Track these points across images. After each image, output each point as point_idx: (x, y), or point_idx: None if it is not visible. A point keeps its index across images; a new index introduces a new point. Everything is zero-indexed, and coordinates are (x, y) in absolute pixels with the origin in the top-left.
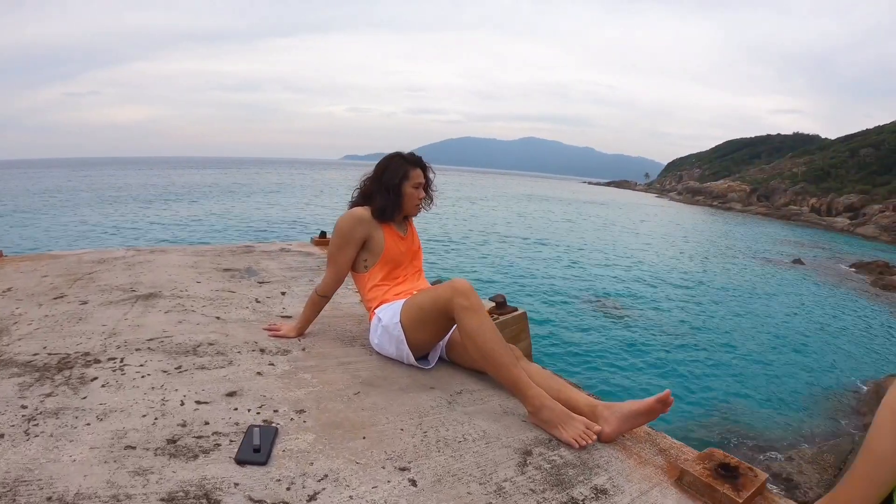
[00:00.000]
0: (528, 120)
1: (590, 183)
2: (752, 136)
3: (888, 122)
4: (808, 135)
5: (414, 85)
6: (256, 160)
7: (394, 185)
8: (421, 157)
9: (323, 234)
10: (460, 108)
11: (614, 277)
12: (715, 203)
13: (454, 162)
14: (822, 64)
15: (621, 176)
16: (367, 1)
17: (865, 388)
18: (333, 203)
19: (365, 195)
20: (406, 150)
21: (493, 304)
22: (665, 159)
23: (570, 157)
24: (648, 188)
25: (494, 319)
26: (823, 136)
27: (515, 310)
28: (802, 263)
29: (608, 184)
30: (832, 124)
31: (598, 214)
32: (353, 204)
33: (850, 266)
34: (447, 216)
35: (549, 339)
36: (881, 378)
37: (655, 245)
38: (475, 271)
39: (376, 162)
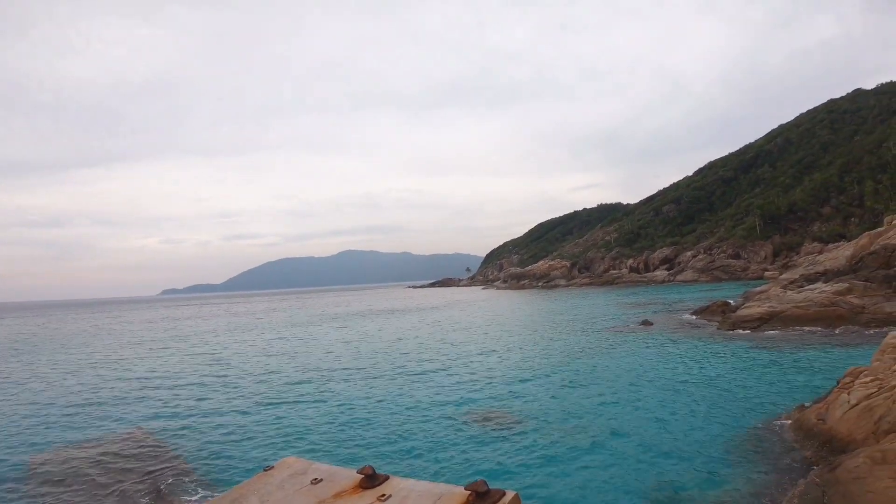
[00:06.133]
0: (343, 234)
1: (413, 287)
2: (561, 214)
3: (681, 178)
4: (611, 204)
5: (227, 210)
6: (68, 303)
7: None
8: None
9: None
10: (276, 230)
11: (480, 388)
12: (540, 283)
13: (275, 285)
14: (609, 139)
15: (442, 274)
16: (170, 126)
17: (783, 423)
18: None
19: None
20: (225, 278)
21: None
22: (482, 252)
23: (388, 264)
24: (472, 281)
25: None
26: (626, 203)
27: (503, 493)
28: (651, 324)
29: (432, 284)
30: (628, 191)
31: (436, 319)
32: None
33: (693, 314)
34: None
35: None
36: (791, 410)
37: (504, 341)
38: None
39: (196, 294)
